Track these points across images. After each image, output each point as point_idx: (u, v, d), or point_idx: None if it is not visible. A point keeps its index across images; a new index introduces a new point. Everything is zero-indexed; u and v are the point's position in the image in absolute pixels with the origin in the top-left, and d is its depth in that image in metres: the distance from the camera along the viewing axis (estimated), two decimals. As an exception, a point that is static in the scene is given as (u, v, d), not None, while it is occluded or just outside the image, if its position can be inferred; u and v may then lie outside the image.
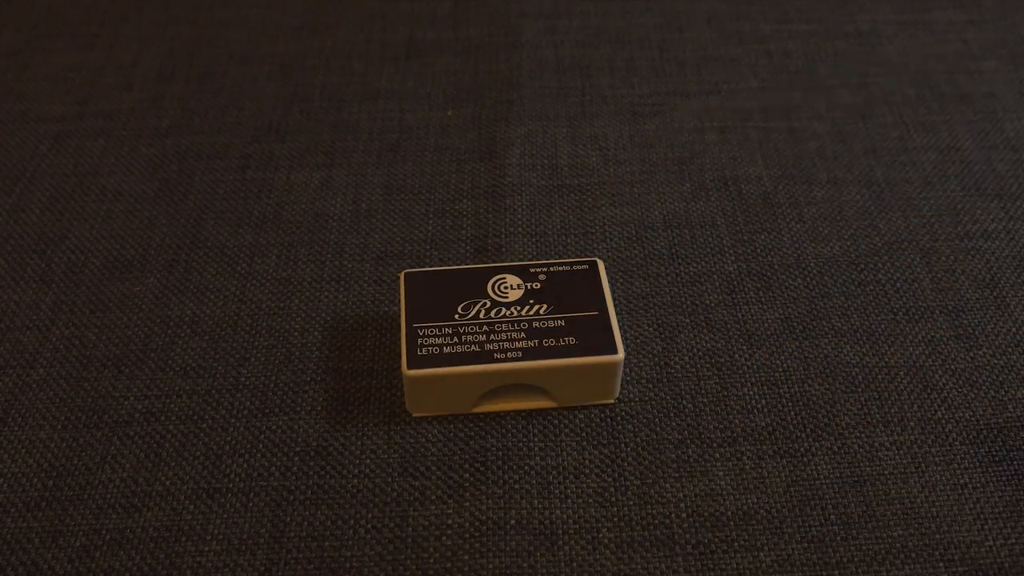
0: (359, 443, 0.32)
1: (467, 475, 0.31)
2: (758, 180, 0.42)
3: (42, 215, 0.41)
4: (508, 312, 0.32)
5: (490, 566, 0.29)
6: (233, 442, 0.32)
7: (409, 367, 0.31)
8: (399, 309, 0.36)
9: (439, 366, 0.31)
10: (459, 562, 0.29)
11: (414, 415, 0.33)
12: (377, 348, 0.35)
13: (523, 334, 0.32)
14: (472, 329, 0.32)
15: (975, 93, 0.46)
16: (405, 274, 0.34)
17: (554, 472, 0.32)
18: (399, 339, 0.35)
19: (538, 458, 0.32)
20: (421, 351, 0.31)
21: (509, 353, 0.31)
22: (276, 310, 0.37)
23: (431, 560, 0.29)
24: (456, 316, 0.32)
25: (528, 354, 0.31)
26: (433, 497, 0.31)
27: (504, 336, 0.31)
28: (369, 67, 0.48)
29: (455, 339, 0.31)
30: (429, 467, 0.32)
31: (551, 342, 0.31)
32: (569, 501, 0.31)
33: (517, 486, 0.31)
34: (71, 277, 0.38)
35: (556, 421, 0.33)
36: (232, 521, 0.30)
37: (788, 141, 0.44)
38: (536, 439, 0.33)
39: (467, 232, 0.40)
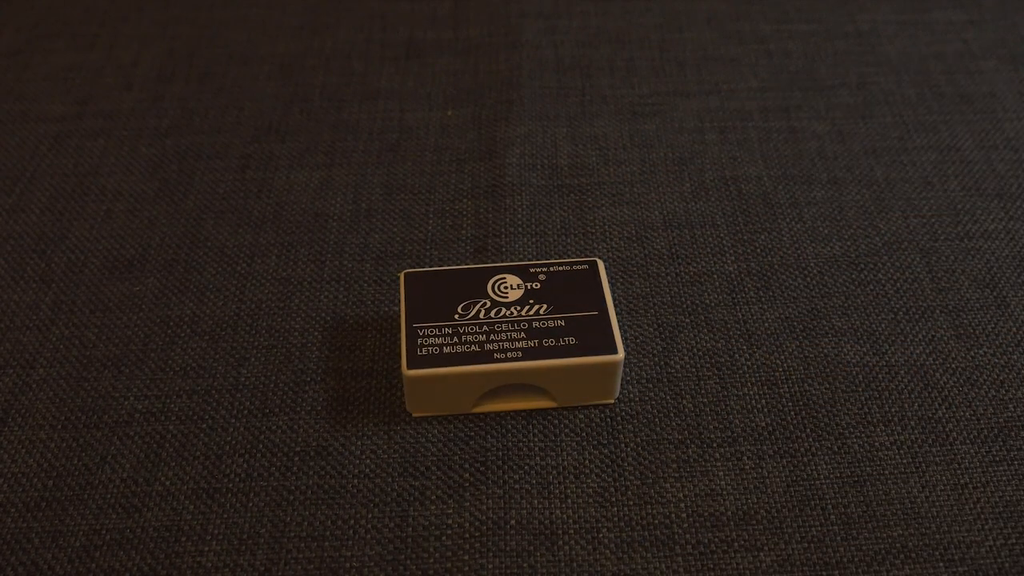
0: (359, 443, 0.32)
1: (467, 475, 0.31)
2: (758, 180, 0.42)
3: (42, 215, 0.41)
4: (508, 312, 0.32)
5: (490, 566, 0.29)
6: (233, 442, 0.32)
7: (409, 367, 0.31)
8: (399, 309, 0.36)
9: (439, 366, 0.31)
10: (459, 562, 0.29)
11: (414, 415, 0.33)
12: (377, 348, 0.35)
13: (523, 334, 0.32)
14: (472, 329, 0.32)
15: (975, 93, 0.46)
16: (405, 274, 0.34)
17: (554, 472, 0.32)
18: (399, 339, 0.35)
19: (538, 458, 0.32)
20: (421, 351, 0.31)
21: (509, 353, 0.31)
22: (276, 310, 0.37)
23: (431, 560, 0.29)
24: (456, 316, 0.32)
25: (528, 354, 0.31)
26: (433, 497, 0.31)
27: (504, 336, 0.31)
28: (369, 67, 0.48)
29: (455, 339, 0.31)
30: (429, 467, 0.32)
31: (551, 342, 0.31)
32: (569, 501, 0.31)
33: (517, 486, 0.31)
34: (71, 277, 0.38)
35: (556, 421, 0.33)
36: (232, 521, 0.30)
37: (788, 141, 0.44)
38: (536, 439, 0.32)
39: (467, 232, 0.40)
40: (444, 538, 0.30)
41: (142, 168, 0.43)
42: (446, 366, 0.31)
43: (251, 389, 0.34)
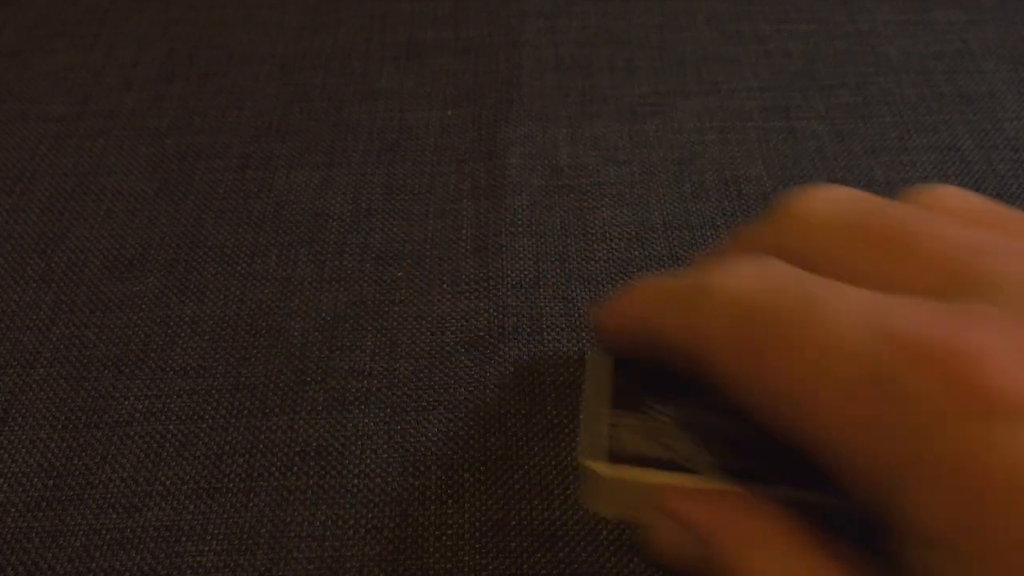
0: (359, 443, 0.32)
1: (467, 475, 0.31)
2: (758, 180, 0.42)
3: (42, 215, 0.41)
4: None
5: (490, 566, 0.29)
6: (233, 442, 0.32)
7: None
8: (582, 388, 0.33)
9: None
10: (459, 562, 0.29)
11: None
12: (377, 348, 0.35)
13: None
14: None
15: (975, 93, 0.46)
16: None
17: (554, 472, 0.32)
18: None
19: (538, 458, 0.32)
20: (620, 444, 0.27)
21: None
22: (276, 310, 0.37)
23: (431, 560, 0.29)
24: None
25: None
26: (433, 497, 0.31)
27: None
28: (369, 67, 0.48)
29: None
30: (429, 467, 0.32)
31: None
32: (570, 501, 0.31)
33: (517, 486, 0.31)
34: (71, 277, 0.38)
35: (557, 421, 0.33)
36: (232, 521, 0.30)
37: (788, 141, 0.44)
38: (536, 439, 0.32)
39: (467, 232, 0.40)
40: (444, 538, 0.30)
41: (142, 168, 0.43)
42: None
43: (251, 389, 0.34)
